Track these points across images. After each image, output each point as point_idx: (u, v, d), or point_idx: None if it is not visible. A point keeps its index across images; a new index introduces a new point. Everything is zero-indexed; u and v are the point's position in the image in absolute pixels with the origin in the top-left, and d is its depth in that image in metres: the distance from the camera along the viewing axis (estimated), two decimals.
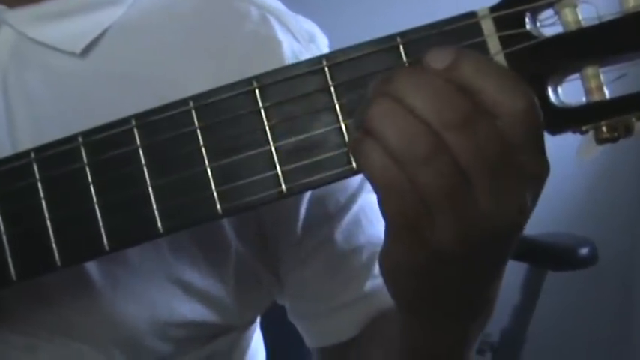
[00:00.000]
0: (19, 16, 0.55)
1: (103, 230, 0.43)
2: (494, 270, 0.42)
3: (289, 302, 0.64)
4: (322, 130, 0.40)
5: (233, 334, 0.62)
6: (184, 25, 0.57)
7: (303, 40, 0.57)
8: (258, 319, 0.67)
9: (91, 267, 0.53)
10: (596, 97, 0.38)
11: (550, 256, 1.86)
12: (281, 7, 0.60)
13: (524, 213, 0.38)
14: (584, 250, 1.82)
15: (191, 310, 0.57)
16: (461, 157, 0.35)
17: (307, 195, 0.57)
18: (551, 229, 1.93)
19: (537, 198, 0.38)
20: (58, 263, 0.44)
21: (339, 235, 0.59)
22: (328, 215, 0.58)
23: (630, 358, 2.16)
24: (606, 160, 2.00)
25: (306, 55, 0.56)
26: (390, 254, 0.40)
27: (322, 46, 0.59)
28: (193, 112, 0.41)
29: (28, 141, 0.52)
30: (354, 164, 0.39)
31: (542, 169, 0.37)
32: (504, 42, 0.38)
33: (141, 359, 0.57)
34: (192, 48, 0.56)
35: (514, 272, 1.87)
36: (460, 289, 0.41)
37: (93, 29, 0.55)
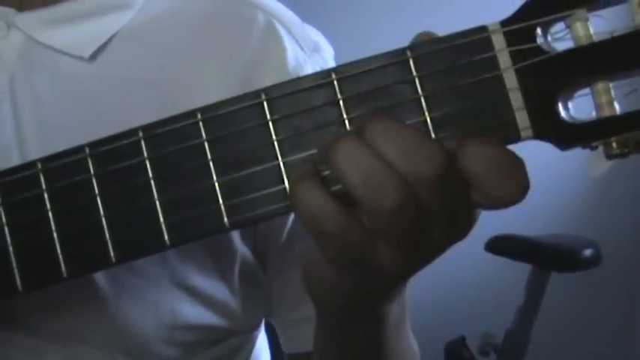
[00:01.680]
0: (28, 19, 0.55)
1: (109, 242, 0.42)
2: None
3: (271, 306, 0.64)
4: None
5: (238, 337, 0.62)
6: (191, 31, 0.57)
7: (308, 50, 0.57)
8: (263, 321, 0.67)
9: (99, 272, 0.53)
10: (606, 113, 0.37)
11: (554, 257, 1.86)
12: (289, 14, 0.60)
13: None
14: (587, 252, 1.82)
15: (196, 314, 0.57)
16: (430, 207, 0.35)
17: None
18: (555, 231, 1.93)
19: None
20: (64, 275, 0.43)
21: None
22: None
23: (633, 358, 2.16)
24: (609, 169, 1.99)
25: (309, 65, 0.57)
26: (327, 281, 0.40)
27: (327, 56, 0.59)
28: (201, 124, 0.41)
29: (34, 144, 0.53)
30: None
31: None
32: (515, 57, 0.37)
33: None
34: (199, 53, 0.56)
35: (518, 274, 1.86)
36: (384, 295, 0.42)
37: (101, 34, 0.55)
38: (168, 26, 0.57)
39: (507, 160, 0.35)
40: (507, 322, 1.86)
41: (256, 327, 0.65)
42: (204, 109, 0.41)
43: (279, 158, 0.39)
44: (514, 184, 0.35)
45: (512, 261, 1.87)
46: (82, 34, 0.55)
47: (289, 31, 0.58)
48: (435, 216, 0.36)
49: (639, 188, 2.13)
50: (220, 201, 0.40)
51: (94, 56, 0.55)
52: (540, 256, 1.88)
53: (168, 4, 0.58)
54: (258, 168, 0.40)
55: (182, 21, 0.57)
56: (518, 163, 0.36)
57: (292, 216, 0.57)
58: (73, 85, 0.55)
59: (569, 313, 2.08)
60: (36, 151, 0.49)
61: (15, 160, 0.48)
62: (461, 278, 2.02)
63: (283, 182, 0.39)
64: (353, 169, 0.35)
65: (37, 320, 0.54)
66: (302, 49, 0.57)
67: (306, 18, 0.60)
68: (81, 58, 0.55)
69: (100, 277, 0.53)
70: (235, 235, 0.57)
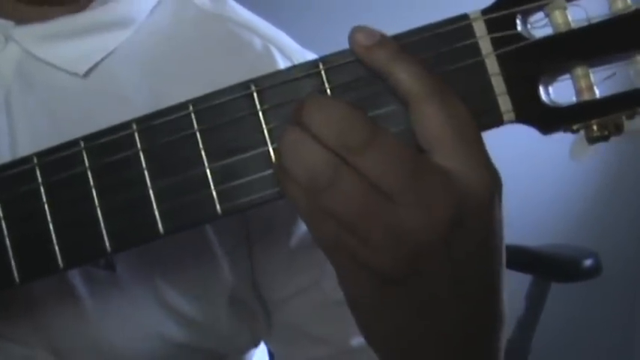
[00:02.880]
0: (26, 33, 0.55)
1: (104, 232, 0.43)
2: (451, 299, 0.39)
3: (276, 348, 0.63)
4: None
5: (230, 358, 0.62)
6: (187, 52, 0.57)
7: None
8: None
9: (83, 292, 0.53)
10: (586, 97, 0.38)
11: (554, 267, 1.86)
12: (286, 39, 0.60)
13: (459, 226, 0.36)
14: (588, 262, 1.82)
15: (183, 336, 0.57)
16: (372, 175, 0.35)
17: (299, 233, 0.57)
18: (555, 241, 1.93)
19: (481, 211, 0.37)
20: (61, 266, 0.44)
21: (327, 282, 0.58)
22: (317, 260, 0.57)
23: None
24: (610, 172, 2.00)
25: None
26: (344, 292, 0.40)
27: None
28: (193, 115, 0.42)
29: None
30: None
31: (469, 176, 0.36)
32: (496, 43, 0.39)
33: None
34: (193, 74, 0.56)
35: (518, 284, 1.86)
36: (421, 322, 0.39)
37: (99, 51, 0.56)
38: (165, 46, 0.57)
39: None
40: (507, 332, 1.85)
41: (248, 349, 0.64)
42: (195, 101, 0.42)
43: (270, 146, 0.41)
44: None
45: (512, 271, 1.86)
46: (78, 50, 0.55)
47: (286, 56, 0.58)
48: (393, 187, 0.35)
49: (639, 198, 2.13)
50: (212, 188, 0.41)
51: (88, 73, 0.55)
52: (540, 266, 1.88)
53: (165, 25, 0.58)
54: (249, 155, 0.41)
55: (178, 42, 0.58)
56: None
57: (295, 242, 0.57)
58: (67, 100, 0.55)
59: (569, 324, 2.08)
60: None
61: None
62: None
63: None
64: (291, 156, 0.37)
65: (23, 335, 0.55)
66: None
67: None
68: (76, 75, 0.55)
69: (85, 296, 0.53)
70: (225, 268, 0.57)
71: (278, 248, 0.58)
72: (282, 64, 0.57)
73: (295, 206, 0.38)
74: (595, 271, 1.83)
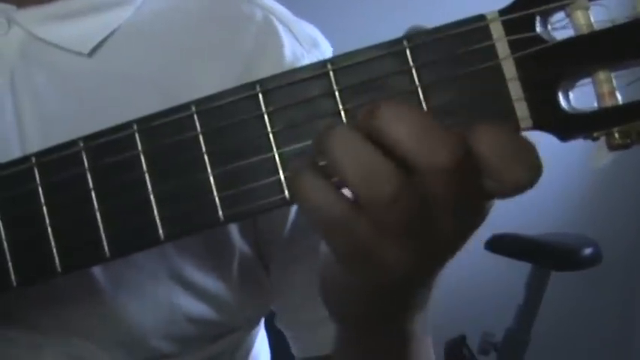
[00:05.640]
0: (28, 15, 0.55)
1: (103, 236, 0.42)
2: (434, 278, 0.42)
3: (277, 308, 0.64)
4: None
5: (237, 334, 0.62)
6: (191, 27, 0.58)
7: (307, 44, 0.58)
8: (263, 320, 0.67)
9: (95, 266, 0.52)
10: (608, 103, 0.37)
11: (554, 256, 1.86)
12: (283, 9, 0.60)
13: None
14: (588, 251, 1.82)
15: (194, 308, 0.57)
16: (435, 195, 0.34)
17: None
18: (555, 230, 1.93)
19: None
20: (59, 270, 0.43)
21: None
22: None
23: (633, 357, 2.16)
24: (611, 161, 1.99)
25: (307, 59, 0.57)
26: (339, 284, 0.40)
27: (326, 52, 0.60)
28: (195, 116, 0.40)
29: (36, 140, 0.53)
30: None
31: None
32: (514, 46, 0.37)
33: (145, 359, 0.57)
34: (198, 49, 0.57)
35: (518, 272, 1.86)
36: (403, 301, 0.42)
37: (101, 30, 0.56)
38: (168, 22, 0.58)
39: (520, 143, 0.34)
40: (507, 320, 1.86)
41: (255, 324, 0.65)
42: (198, 102, 0.41)
43: (275, 150, 0.39)
44: (527, 167, 0.34)
45: (512, 260, 1.87)
46: (81, 29, 0.55)
47: (287, 27, 0.58)
48: (442, 206, 0.34)
49: None
50: (215, 194, 0.40)
51: (93, 52, 0.55)
52: (540, 255, 1.88)
53: (166, 3, 0.58)
54: (253, 160, 0.39)
55: (181, 17, 0.58)
56: (530, 146, 0.34)
57: (294, 212, 0.57)
58: (73, 80, 0.55)
59: (569, 312, 2.08)
60: (37, 146, 0.49)
61: (16, 156, 0.48)
62: (461, 277, 2.01)
63: (278, 174, 0.39)
64: (348, 159, 0.34)
65: (35, 316, 0.54)
66: (300, 44, 0.58)
67: (305, 14, 0.60)
68: (80, 54, 0.55)
69: (97, 271, 0.53)
70: (234, 232, 0.56)
71: (280, 217, 0.57)
72: (283, 33, 0.58)
73: (318, 214, 0.35)
74: (595, 259, 1.83)
